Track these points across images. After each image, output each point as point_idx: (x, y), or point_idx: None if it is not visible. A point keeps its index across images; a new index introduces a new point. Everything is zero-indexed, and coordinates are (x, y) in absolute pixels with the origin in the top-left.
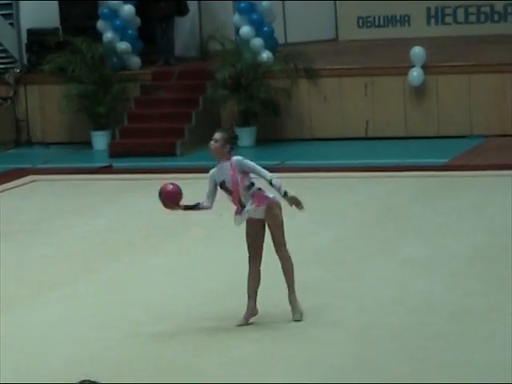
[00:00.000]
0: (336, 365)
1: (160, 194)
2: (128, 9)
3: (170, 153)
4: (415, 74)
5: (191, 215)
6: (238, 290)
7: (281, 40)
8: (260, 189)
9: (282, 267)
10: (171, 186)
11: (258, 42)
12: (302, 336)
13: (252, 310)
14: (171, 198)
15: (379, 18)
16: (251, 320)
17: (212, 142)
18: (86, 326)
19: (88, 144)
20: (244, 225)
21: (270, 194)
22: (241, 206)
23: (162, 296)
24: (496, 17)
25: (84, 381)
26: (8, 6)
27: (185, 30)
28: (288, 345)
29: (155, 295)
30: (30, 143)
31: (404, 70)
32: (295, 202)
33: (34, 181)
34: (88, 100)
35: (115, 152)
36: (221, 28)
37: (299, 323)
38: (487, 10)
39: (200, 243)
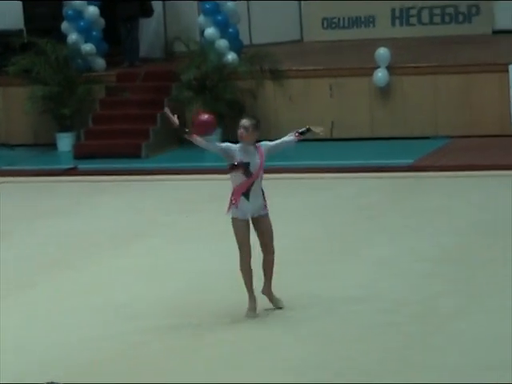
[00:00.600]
0: (300, 365)
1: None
2: (92, 10)
3: (136, 154)
4: (380, 75)
5: (157, 217)
6: (204, 288)
7: (246, 41)
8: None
9: (266, 264)
10: (206, 116)
11: (223, 43)
12: (267, 336)
13: (254, 303)
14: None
15: (344, 19)
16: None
17: (242, 130)
18: (52, 328)
19: (53, 146)
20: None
21: None
22: (245, 197)
23: (129, 297)
24: (460, 18)
25: (48, 383)
26: None
27: (150, 31)
28: (250, 346)
29: (122, 296)
30: None
31: (369, 71)
32: (317, 130)
33: None
34: (53, 102)
35: (80, 154)
36: (186, 29)
37: (263, 324)
38: (451, 11)
39: (167, 244)
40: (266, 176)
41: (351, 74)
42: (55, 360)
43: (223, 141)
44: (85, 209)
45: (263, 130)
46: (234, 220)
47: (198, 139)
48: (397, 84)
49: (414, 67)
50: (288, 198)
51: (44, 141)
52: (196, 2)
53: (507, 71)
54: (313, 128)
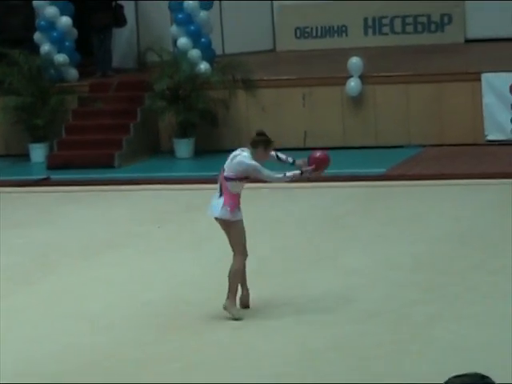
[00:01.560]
0: (274, 374)
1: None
2: (65, 20)
3: (109, 164)
4: (353, 84)
5: (130, 227)
6: (177, 300)
7: (218, 51)
8: None
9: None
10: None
11: (195, 53)
12: (240, 345)
13: (246, 296)
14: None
15: (317, 28)
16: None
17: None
18: (25, 339)
19: (25, 156)
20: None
21: None
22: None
23: (101, 307)
24: (433, 27)
25: None
26: None
27: (122, 41)
28: (226, 354)
29: (94, 307)
30: None
31: (342, 80)
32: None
33: None
34: (25, 112)
35: (53, 164)
36: (158, 39)
37: (236, 334)
38: (424, 20)
39: (139, 255)
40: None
41: (324, 83)
42: (26, 371)
43: (196, 151)
44: (57, 219)
45: (234, 140)
46: (239, 222)
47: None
48: (369, 93)
49: (387, 76)
50: (262, 208)
51: (16, 151)
52: (169, 12)
53: (480, 80)
54: (304, 169)
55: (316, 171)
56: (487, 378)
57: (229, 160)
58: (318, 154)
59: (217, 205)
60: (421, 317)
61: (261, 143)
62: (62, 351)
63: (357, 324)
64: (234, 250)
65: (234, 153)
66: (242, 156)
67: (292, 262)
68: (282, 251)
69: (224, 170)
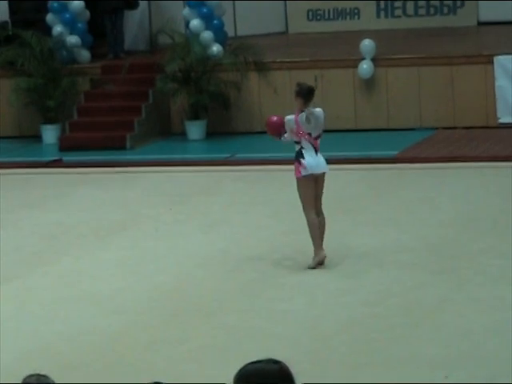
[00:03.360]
0: (285, 358)
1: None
2: (77, 2)
3: (120, 146)
4: (365, 67)
5: (142, 209)
6: (189, 282)
7: (231, 33)
8: (301, 158)
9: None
10: (275, 118)
11: (207, 35)
12: (250, 329)
13: (320, 257)
14: (272, 128)
15: (329, 11)
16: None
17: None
18: (37, 320)
19: (38, 138)
20: None
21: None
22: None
23: (113, 290)
24: (445, 9)
25: (32, 375)
26: None
27: (134, 23)
28: (236, 337)
29: (106, 289)
30: None
31: (354, 63)
32: None
33: None
34: (37, 94)
35: (65, 146)
36: (170, 21)
37: (248, 315)
38: (437, 3)
39: (151, 237)
40: (248, 168)
41: (336, 65)
42: (37, 351)
43: (207, 133)
44: (69, 201)
45: (246, 123)
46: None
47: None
48: (381, 76)
49: (399, 59)
50: (271, 190)
51: (28, 133)
52: None
53: (492, 63)
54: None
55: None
56: (280, 362)
57: (308, 122)
58: (274, 118)
59: (323, 161)
60: (431, 300)
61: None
62: (73, 333)
63: (366, 307)
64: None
65: (306, 114)
66: (319, 112)
67: (301, 245)
68: (289, 234)
69: (306, 133)
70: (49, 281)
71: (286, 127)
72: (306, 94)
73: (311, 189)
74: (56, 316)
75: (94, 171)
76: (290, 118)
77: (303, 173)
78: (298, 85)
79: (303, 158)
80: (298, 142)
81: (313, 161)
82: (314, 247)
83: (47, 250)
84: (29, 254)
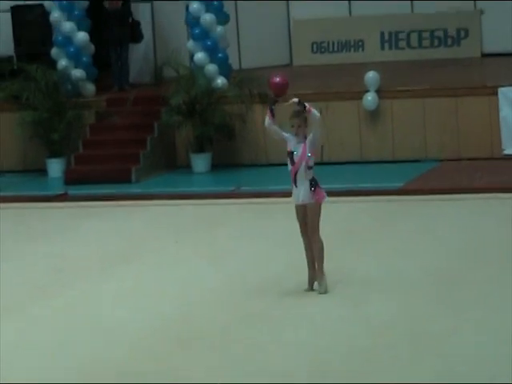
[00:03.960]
0: (286, 376)
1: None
2: (82, 36)
3: (126, 179)
4: (370, 99)
5: (146, 242)
6: (193, 314)
7: (235, 66)
8: (318, 184)
9: (313, 249)
10: (278, 79)
11: (212, 67)
12: (256, 360)
13: (312, 277)
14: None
15: (333, 43)
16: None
17: (297, 128)
18: (41, 352)
19: (43, 171)
20: None
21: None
22: (294, 183)
23: (116, 321)
24: (449, 41)
25: None
26: None
27: (139, 56)
28: (241, 369)
29: (110, 320)
30: None
31: (358, 95)
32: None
33: None
34: (42, 127)
35: (71, 179)
36: (175, 54)
37: (251, 349)
38: (441, 34)
39: (156, 269)
40: (253, 200)
41: (341, 97)
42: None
43: (213, 165)
44: (75, 234)
45: (251, 154)
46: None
47: (269, 121)
48: (386, 107)
49: (404, 91)
50: (276, 222)
51: (34, 166)
52: (185, 27)
53: (496, 94)
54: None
55: (277, 97)
56: None
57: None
58: (277, 79)
59: None
60: (436, 330)
61: None
62: (78, 364)
63: (371, 337)
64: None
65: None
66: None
67: (304, 274)
68: (296, 266)
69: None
70: (54, 313)
71: (315, 141)
72: None
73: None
74: (61, 348)
75: (99, 205)
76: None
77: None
78: (303, 111)
79: (319, 183)
80: (311, 167)
81: None
82: (322, 270)
83: (52, 283)
84: (33, 287)
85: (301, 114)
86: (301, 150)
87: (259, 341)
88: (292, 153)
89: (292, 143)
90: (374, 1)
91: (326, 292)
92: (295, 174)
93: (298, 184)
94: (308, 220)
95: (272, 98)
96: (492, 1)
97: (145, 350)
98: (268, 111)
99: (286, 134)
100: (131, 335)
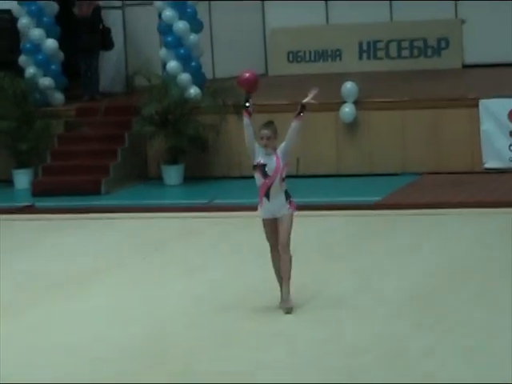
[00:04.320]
0: None
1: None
2: (51, 43)
3: (95, 191)
4: (347, 110)
5: (117, 256)
6: (165, 331)
7: (209, 75)
8: (291, 196)
9: (282, 262)
10: (247, 74)
11: (185, 77)
12: (231, 379)
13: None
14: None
15: (310, 52)
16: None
17: (265, 140)
18: (8, 370)
19: (9, 182)
20: None
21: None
22: (266, 197)
23: (85, 340)
24: (429, 51)
25: None
26: None
27: (110, 64)
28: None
29: (78, 339)
30: None
31: (336, 106)
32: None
33: None
34: (10, 137)
35: (38, 191)
36: (147, 63)
37: (225, 366)
38: (420, 44)
39: (124, 285)
40: (226, 214)
41: (317, 108)
42: None
43: (185, 178)
44: (41, 248)
45: (224, 167)
46: (262, 220)
47: (247, 120)
48: (364, 119)
49: (382, 102)
50: (250, 236)
51: (0, 177)
52: (158, 34)
53: (477, 106)
54: (305, 101)
55: (249, 93)
56: None
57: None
58: (246, 74)
59: None
60: (414, 351)
61: None
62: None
63: (348, 357)
64: None
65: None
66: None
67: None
68: (269, 281)
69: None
70: (20, 331)
71: (288, 152)
72: None
73: None
74: (28, 367)
75: (67, 217)
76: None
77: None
78: (271, 125)
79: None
80: (284, 179)
81: None
82: (287, 286)
83: (19, 298)
84: None
85: (271, 125)
86: (274, 163)
87: (233, 359)
88: (264, 166)
89: (261, 155)
90: (353, 9)
91: (291, 312)
92: (268, 188)
93: (271, 198)
94: (282, 231)
95: (245, 95)
96: (473, 10)
97: (110, 371)
98: (244, 110)
99: (256, 145)
100: (99, 354)
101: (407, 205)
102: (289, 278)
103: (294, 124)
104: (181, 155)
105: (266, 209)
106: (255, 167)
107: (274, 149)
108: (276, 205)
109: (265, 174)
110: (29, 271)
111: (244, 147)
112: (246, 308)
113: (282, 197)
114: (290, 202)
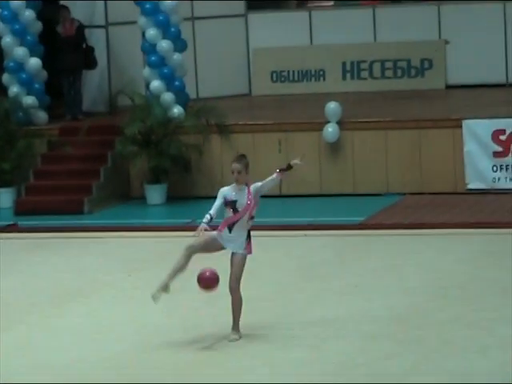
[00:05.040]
0: None
1: (199, 281)
2: (34, 62)
3: (78, 210)
4: (330, 130)
5: (99, 276)
6: (148, 351)
7: (192, 95)
8: (250, 239)
9: (231, 304)
10: (208, 274)
11: (168, 96)
12: None
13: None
14: (209, 284)
15: (294, 72)
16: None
17: (236, 174)
18: None
19: None
20: None
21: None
22: (228, 229)
23: (69, 359)
24: (413, 72)
25: None
26: None
27: (93, 83)
28: None
29: (62, 358)
30: None
31: (319, 126)
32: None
33: None
34: None
35: (21, 210)
36: (130, 82)
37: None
38: (404, 64)
39: (108, 304)
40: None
41: (300, 128)
42: None
43: (168, 197)
44: (24, 267)
45: (208, 187)
46: (210, 233)
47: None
48: (347, 139)
49: (365, 122)
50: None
51: None
52: (141, 54)
53: (461, 127)
54: (292, 163)
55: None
56: None
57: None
58: (207, 273)
59: None
60: (397, 371)
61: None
62: None
63: (330, 377)
64: None
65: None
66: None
67: (263, 314)
68: (252, 302)
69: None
70: (1, 349)
71: (260, 193)
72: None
73: None
74: None
75: (50, 236)
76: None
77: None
78: (241, 158)
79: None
80: (252, 218)
81: None
82: (238, 323)
83: (0, 317)
84: None
85: (242, 159)
86: (245, 199)
87: (216, 381)
88: (235, 202)
89: (231, 191)
90: (336, 29)
91: (234, 341)
92: (234, 223)
93: (233, 231)
94: (233, 271)
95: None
96: (457, 31)
97: None
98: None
99: (220, 199)
100: (81, 373)
101: (390, 225)
102: (238, 317)
103: (276, 176)
104: (164, 175)
105: (224, 238)
106: (226, 204)
107: (246, 183)
108: (234, 240)
109: (235, 210)
110: (10, 289)
111: (227, 165)
112: (227, 329)
113: (244, 235)
114: (248, 243)
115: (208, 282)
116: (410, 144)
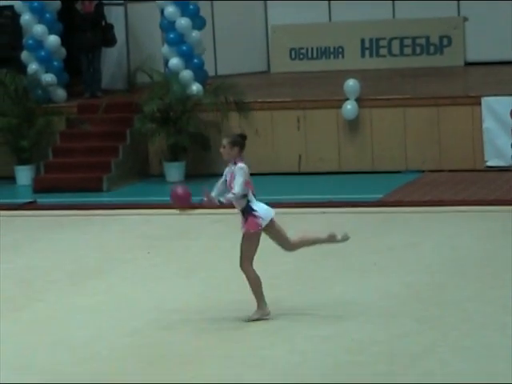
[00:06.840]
0: None
1: (171, 197)
2: (53, 39)
3: (97, 188)
4: (349, 108)
5: (118, 253)
6: (166, 328)
7: (211, 72)
8: (253, 210)
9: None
10: (180, 191)
11: (187, 74)
12: (231, 376)
13: (265, 312)
14: (180, 202)
15: (312, 49)
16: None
17: (221, 149)
18: (8, 368)
19: (11, 179)
20: None
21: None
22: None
23: (86, 336)
24: (432, 49)
25: None
26: None
27: (112, 61)
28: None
29: (80, 335)
30: None
31: (338, 103)
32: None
33: None
34: (11, 134)
35: (40, 187)
36: (149, 60)
37: (228, 363)
38: (423, 41)
39: (127, 281)
40: (228, 211)
41: (319, 106)
42: None
43: (187, 175)
44: (43, 244)
45: (226, 164)
46: None
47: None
48: (366, 117)
49: (384, 99)
50: None
51: (2, 174)
52: (160, 31)
53: (479, 104)
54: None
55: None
56: None
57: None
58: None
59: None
60: (415, 348)
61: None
62: (46, 381)
63: (349, 354)
64: None
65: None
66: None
67: (283, 290)
68: (273, 279)
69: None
70: (21, 327)
71: (246, 177)
72: (244, 144)
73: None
74: (28, 363)
75: (69, 214)
76: (244, 166)
77: (263, 224)
78: (233, 135)
79: (255, 210)
80: (244, 196)
81: (263, 207)
82: (260, 302)
83: (20, 295)
84: (1, 299)
85: (232, 136)
86: (228, 177)
87: (233, 357)
88: (225, 180)
89: (227, 171)
90: (355, 6)
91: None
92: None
93: (237, 209)
94: (240, 249)
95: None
96: (476, 8)
97: (113, 368)
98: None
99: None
100: (100, 351)
101: (408, 202)
102: (256, 296)
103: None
104: (182, 152)
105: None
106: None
107: (235, 162)
108: (240, 218)
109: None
110: (30, 267)
111: (246, 144)
112: (246, 306)
113: (242, 213)
114: (246, 220)
115: (181, 201)
116: (428, 121)
